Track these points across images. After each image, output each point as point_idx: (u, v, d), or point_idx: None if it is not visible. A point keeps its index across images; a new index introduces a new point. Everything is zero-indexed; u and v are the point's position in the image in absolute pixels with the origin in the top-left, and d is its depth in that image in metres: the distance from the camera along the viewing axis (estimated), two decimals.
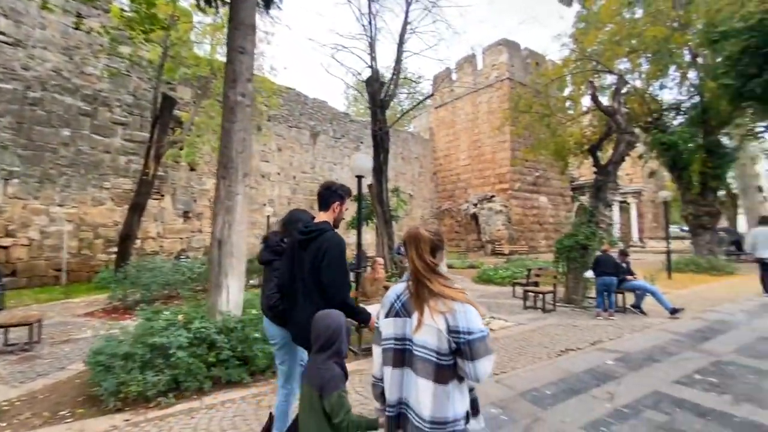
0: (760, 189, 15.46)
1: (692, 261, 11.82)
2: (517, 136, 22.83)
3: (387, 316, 1.51)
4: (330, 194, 2.24)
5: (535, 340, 5.09)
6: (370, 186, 11.85)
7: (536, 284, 8.11)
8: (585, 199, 29.82)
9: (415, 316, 1.40)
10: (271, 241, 2.72)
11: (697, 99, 12.46)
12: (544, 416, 2.89)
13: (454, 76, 26.83)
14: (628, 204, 32.31)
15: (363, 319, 2.22)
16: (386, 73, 11.99)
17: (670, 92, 13.04)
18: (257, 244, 8.55)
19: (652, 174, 14.48)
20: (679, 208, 13.26)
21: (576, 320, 6.31)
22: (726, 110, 11.42)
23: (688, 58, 12.66)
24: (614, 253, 7.06)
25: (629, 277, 6.78)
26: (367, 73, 11.20)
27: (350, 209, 4.33)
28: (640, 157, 14.98)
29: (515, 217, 23.64)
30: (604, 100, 10.32)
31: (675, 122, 13.33)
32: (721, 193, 14.14)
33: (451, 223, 27.15)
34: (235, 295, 4.13)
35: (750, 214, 15.31)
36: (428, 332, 1.36)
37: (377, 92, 11.05)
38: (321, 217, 2.25)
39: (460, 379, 1.39)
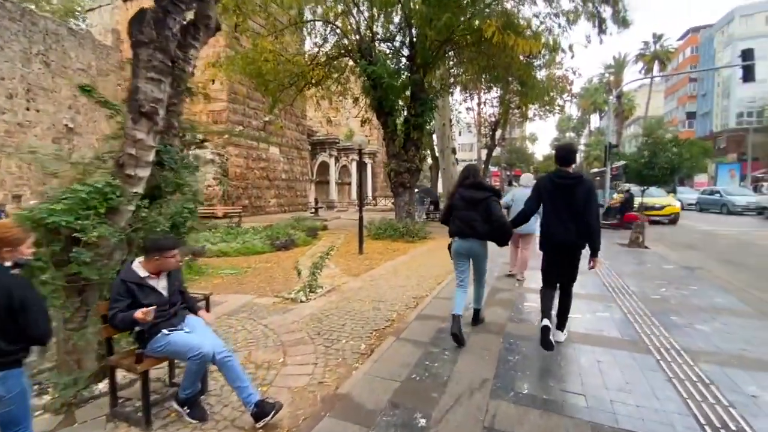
0: (453, 151, 16.19)
1: (390, 226, 10.01)
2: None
3: None
4: (572, 155, 3.44)
5: None
6: None
7: None
8: (325, 156, 28.06)
9: None
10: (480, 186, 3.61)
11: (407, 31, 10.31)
12: None
13: None
14: (366, 164, 33.43)
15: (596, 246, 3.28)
16: None
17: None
18: None
19: (364, 122, 12.09)
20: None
21: None
22: (434, 45, 9.56)
23: None
24: None
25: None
26: None
27: None
28: (356, 100, 12.44)
29: (236, 170, 18.49)
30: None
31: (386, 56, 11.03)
32: (427, 154, 13.43)
33: None
34: None
35: (444, 175, 15.87)
36: None
37: None
38: (570, 168, 3.36)
39: None
